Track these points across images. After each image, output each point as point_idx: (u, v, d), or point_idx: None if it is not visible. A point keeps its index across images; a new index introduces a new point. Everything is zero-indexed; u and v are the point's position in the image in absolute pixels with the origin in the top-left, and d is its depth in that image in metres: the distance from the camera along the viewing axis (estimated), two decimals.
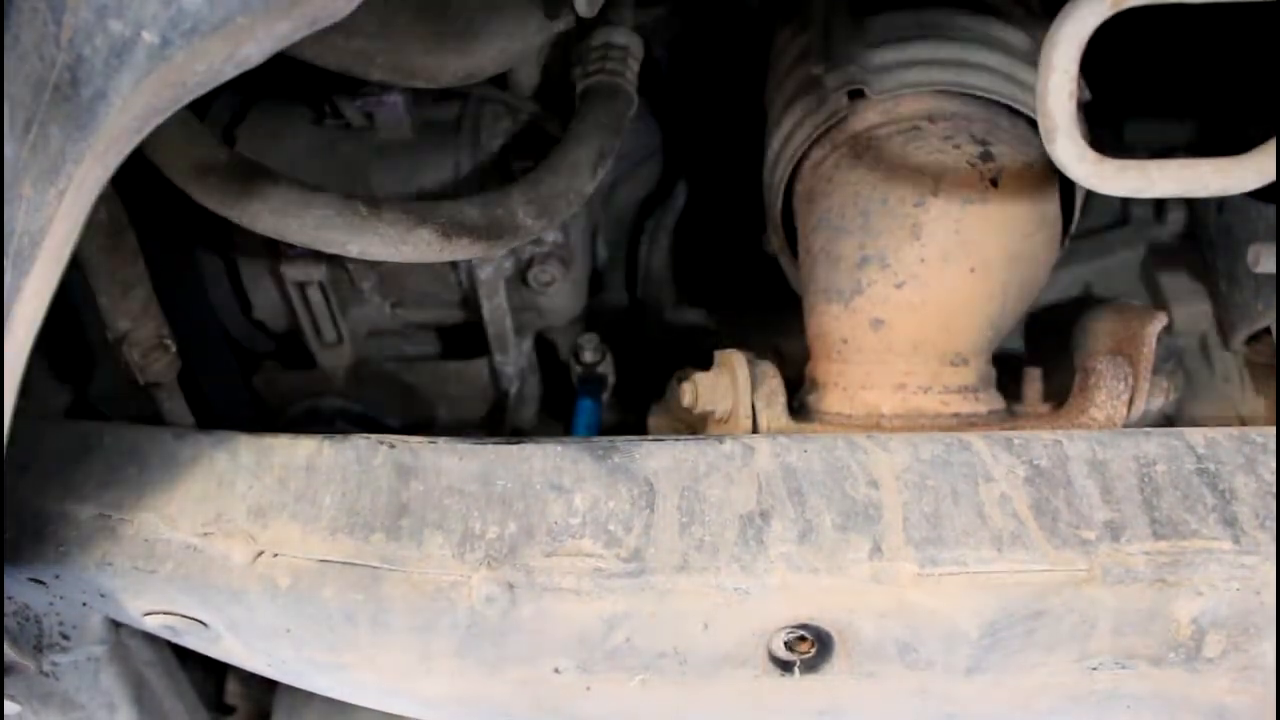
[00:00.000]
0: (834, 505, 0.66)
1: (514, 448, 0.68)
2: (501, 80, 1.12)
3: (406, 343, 1.25)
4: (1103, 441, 0.63)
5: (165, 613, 0.70)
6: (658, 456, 0.68)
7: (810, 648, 0.66)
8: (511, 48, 0.79)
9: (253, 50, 0.45)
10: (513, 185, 0.81)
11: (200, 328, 1.18)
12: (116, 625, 0.79)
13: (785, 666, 0.66)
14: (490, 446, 0.68)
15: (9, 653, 0.76)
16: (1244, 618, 0.59)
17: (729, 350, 0.89)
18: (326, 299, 1.13)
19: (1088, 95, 0.92)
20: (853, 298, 0.89)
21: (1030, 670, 0.66)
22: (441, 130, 1.10)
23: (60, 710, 0.82)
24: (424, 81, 0.77)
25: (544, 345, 1.27)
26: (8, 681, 0.79)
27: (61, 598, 0.73)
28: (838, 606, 0.65)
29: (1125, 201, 1.16)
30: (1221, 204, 1.05)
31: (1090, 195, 0.84)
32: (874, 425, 0.89)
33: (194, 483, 0.69)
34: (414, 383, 1.22)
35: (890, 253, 0.88)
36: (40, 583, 0.71)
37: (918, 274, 0.88)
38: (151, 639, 0.83)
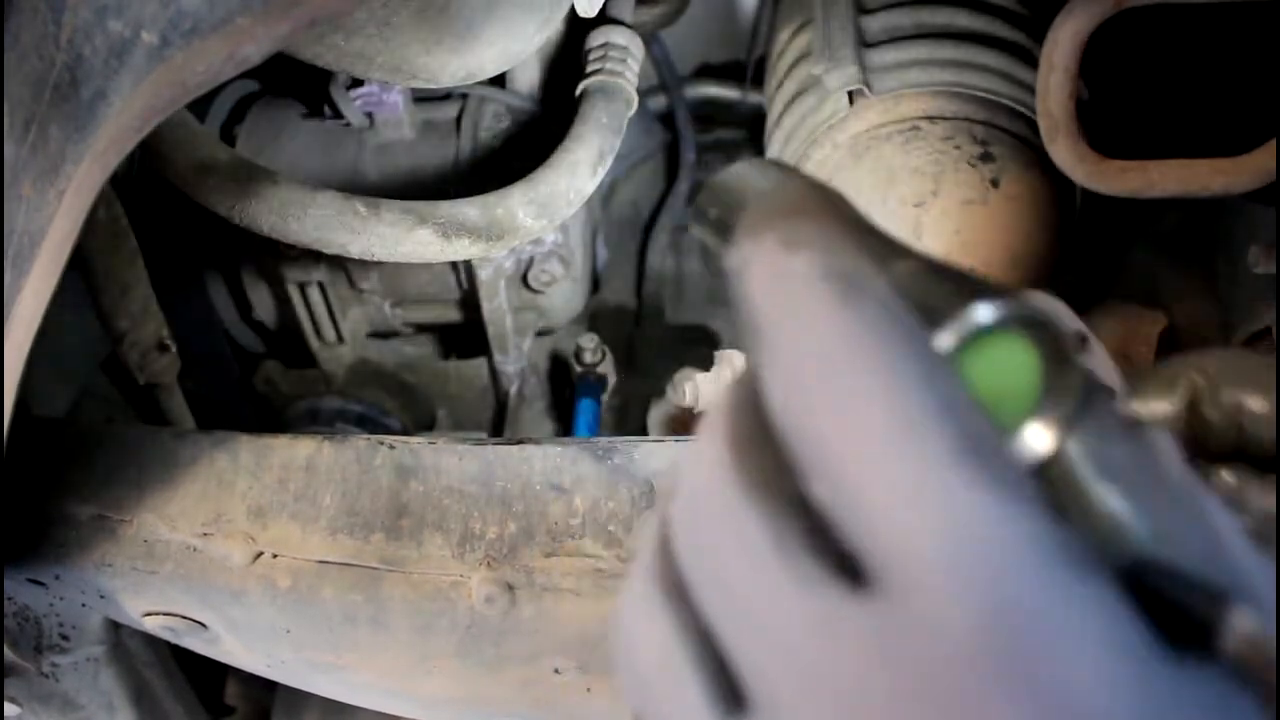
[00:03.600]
0: None
1: (514, 448, 0.68)
2: (501, 80, 1.12)
3: (406, 343, 1.25)
4: None
5: (165, 613, 0.70)
6: (658, 456, 0.68)
7: None
8: (511, 48, 0.79)
9: (252, 50, 0.45)
10: (513, 185, 0.81)
11: (200, 328, 1.18)
12: (116, 626, 0.79)
13: None
14: (490, 446, 0.68)
15: (9, 654, 0.76)
16: None
17: (729, 350, 0.89)
18: (326, 299, 1.13)
19: (1087, 95, 0.92)
20: None
21: None
22: (441, 130, 1.10)
23: (60, 711, 0.82)
24: (424, 81, 0.77)
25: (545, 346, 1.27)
26: (8, 682, 0.79)
27: (61, 598, 0.73)
28: None
29: None
30: (1221, 204, 1.05)
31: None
32: None
33: (194, 483, 0.69)
34: (414, 383, 1.22)
35: None
36: (40, 583, 0.71)
37: None
38: (151, 640, 0.83)
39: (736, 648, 0.25)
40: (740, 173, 0.30)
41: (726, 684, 0.25)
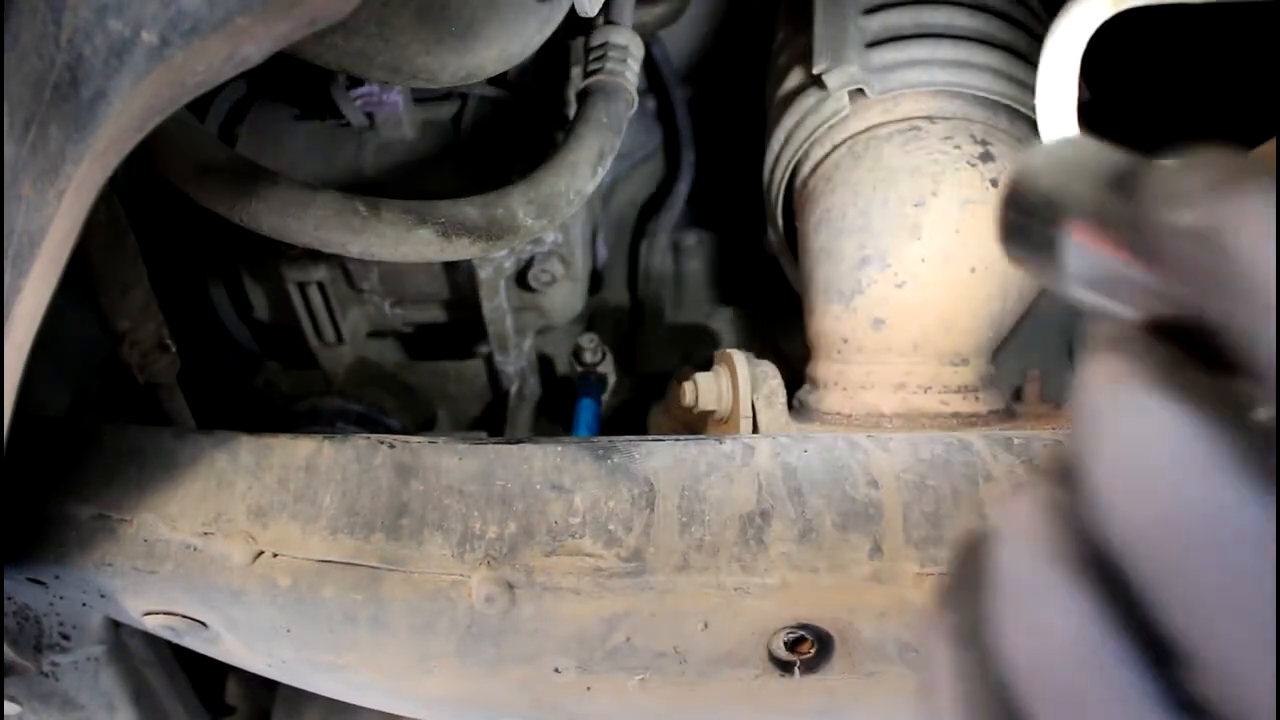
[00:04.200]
0: (834, 505, 0.66)
1: (514, 448, 0.68)
2: (500, 80, 1.12)
3: (406, 343, 1.25)
4: None
5: (165, 613, 0.70)
6: (658, 456, 0.68)
7: (810, 648, 0.66)
8: (511, 48, 0.79)
9: (253, 50, 0.45)
10: (513, 185, 0.81)
11: (200, 328, 1.18)
12: (116, 625, 0.79)
13: (785, 667, 0.66)
14: (490, 446, 0.68)
15: (9, 653, 0.76)
16: None
17: (729, 350, 0.89)
18: (326, 299, 1.13)
19: (1087, 95, 0.92)
20: (853, 297, 0.90)
21: None
22: (441, 130, 1.10)
23: (60, 710, 0.82)
24: (424, 81, 0.77)
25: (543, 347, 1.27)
26: (8, 682, 0.79)
27: (61, 598, 0.73)
28: (838, 606, 0.65)
29: None
30: None
31: None
32: (874, 425, 0.89)
33: (194, 483, 0.69)
34: (414, 383, 1.22)
35: (891, 253, 0.88)
36: (40, 583, 0.71)
37: (918, 274, 0.88)
38: (151, 639, 0.83)
39: (1205, 645, 0.20)
40: (1062, 150, 0.25)
41: (1172, 677, 0.21)
